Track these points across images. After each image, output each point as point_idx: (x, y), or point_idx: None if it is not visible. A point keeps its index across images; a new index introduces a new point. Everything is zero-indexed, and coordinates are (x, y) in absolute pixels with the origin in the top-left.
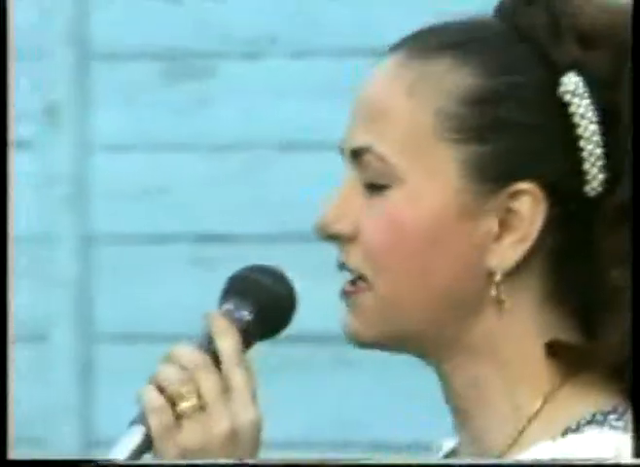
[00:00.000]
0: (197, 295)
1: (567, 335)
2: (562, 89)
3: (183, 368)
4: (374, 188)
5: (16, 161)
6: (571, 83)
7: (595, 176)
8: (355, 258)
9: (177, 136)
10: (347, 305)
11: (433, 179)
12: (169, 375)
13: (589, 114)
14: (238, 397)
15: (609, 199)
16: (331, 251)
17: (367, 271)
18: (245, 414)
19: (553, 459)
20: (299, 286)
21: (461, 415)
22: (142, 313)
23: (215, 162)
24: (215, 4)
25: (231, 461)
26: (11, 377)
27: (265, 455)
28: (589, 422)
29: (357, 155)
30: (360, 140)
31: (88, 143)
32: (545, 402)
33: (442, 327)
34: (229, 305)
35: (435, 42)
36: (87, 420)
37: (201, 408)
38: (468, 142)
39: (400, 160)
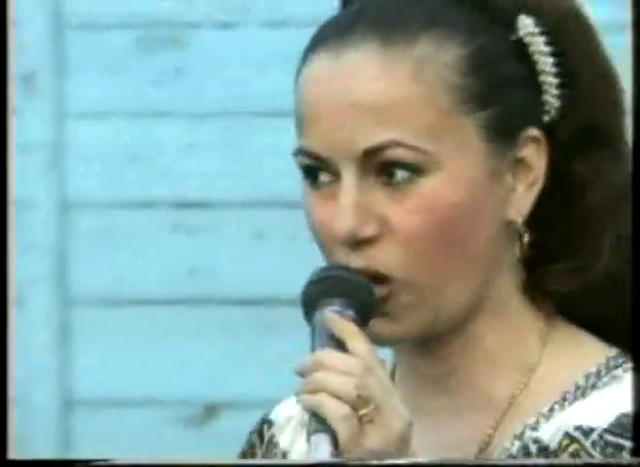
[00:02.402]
0: (176, 260)
1: (553, 272)
2: (521, 31)
3: (348, 374)
4: (402, 180)
5: None
6: (526, 25)
7: (552, 105)
8: (386, 255)
9: (153, 104)
10: (378, 313)
11: (464, 153)
12: (342, 383)
13: (546, 49)
14: (394, 395)
15: (569, 123)
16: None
17: (399, 267)
18: (405, 413)
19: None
20: (276, 250)
21: (460, 375)
22: (119, 278)
23: (192, 130)
24: None
25: (235, 462)
26: (11, 381)
27: None
28: (609, 368)
29: (374, 153)
30: (378, 137)
31: (65, 110)
32: (542, 348)
33: (473, 295)
34: (334, 307)
35: (412, 22)
36: (64, 382)
37: (378, 412)
38: (480, 108)
39: (432, 145)
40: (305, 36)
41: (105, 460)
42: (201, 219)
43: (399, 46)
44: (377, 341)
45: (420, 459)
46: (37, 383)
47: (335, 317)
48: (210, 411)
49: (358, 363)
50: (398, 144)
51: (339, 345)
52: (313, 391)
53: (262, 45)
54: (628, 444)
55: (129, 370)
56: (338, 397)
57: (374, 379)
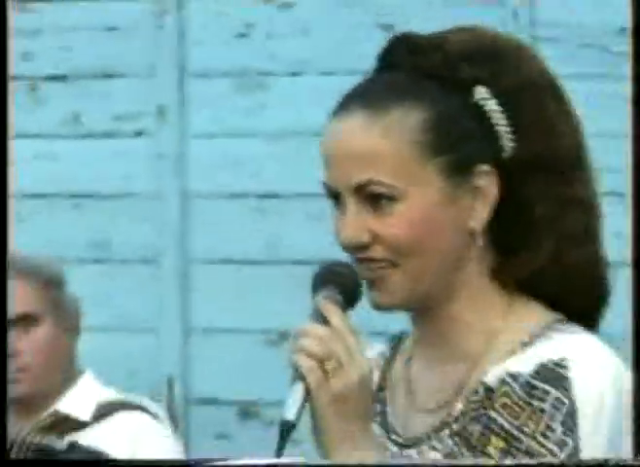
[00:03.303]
0: (260, 232)
1: (508, 263)
2: (477, 97)
3: (319, 339)
4: (384, 205)
5: (136, 145)
6: (480, 92)
7: (508, 145)
8: (380, 252)
9: (246, 129)
10: (376, 289)
11: (423, 187)
12: (312, 345)
13: (498, 108)
14: (357, 355)
15: (521, 157)
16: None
17: (393, 258)
18: (364, 366)
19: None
20: (325, 227)
21: (444, 341)
22: (223, 244)
23: (272, 146)
24: (270, 40)
25: (221, 462)
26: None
27: None
28: (547, 329)
29: (361, 187)
30: (361, 177)
31: (187, 132)
32: (504, 317)
33: (442, 283)
34: (325, 292)
35: (387, 98)
36: (186, 315)
37: (340, 365)
38: (437, 155)
39: (397, 182)
40: (351, 82)
41: (114, 460)
42: (275, 205)
43: (375, 116)
44: (376, 307)
45: (421, 460)
46: (165, 317)
47: (323, 300)
48: (282, 335)
49: (327, 331)
50: (374, 182)
51: (324, 319)
52: (296, 351)
53: (321, 88)
54: (543, 385)
55: (227, 306)
56: (309, 355)
57: (339, 343)
